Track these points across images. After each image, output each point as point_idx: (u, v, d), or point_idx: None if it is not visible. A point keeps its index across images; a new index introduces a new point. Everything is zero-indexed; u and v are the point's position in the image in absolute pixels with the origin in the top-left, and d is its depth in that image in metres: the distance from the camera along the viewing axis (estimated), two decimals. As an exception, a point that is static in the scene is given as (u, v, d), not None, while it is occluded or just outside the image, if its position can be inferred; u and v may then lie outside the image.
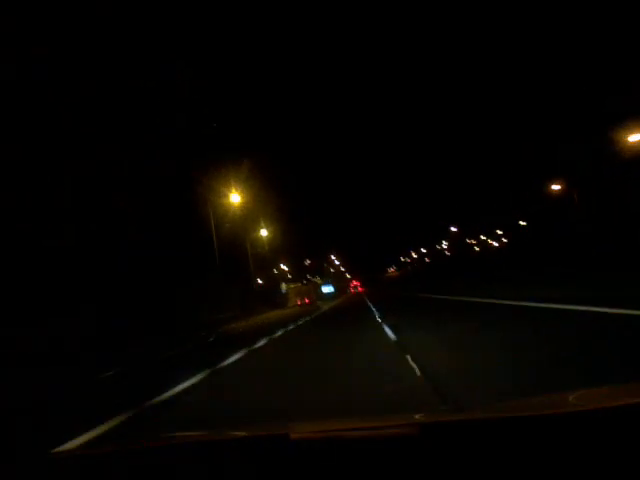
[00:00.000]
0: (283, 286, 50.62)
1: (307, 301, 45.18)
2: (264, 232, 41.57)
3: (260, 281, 53.34)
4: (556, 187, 33.36)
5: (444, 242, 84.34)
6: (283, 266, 61.67)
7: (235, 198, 29.50)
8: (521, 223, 50.28)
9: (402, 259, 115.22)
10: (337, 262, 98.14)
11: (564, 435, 0.97)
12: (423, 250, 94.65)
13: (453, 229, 70.94)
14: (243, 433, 1.54)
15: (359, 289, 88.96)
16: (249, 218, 36.83)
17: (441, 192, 73.83)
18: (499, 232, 61.64)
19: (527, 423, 1.08)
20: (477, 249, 69.88)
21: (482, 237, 68.96)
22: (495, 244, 64.94)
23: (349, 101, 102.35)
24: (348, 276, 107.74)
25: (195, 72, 22.58)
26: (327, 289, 62.86)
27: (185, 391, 5.66)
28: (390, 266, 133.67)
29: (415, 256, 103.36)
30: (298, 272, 69.14)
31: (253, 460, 1.17)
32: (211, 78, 28.01)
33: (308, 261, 79.21)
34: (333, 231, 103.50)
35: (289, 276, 64.44)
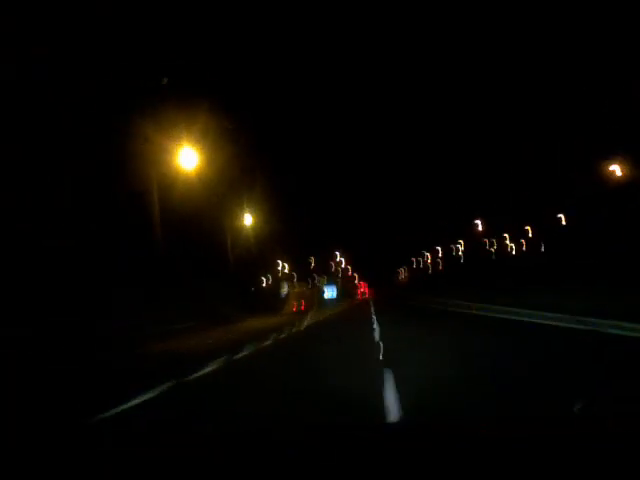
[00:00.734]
0: (284, 288, 48.56)
1: (302, 307, 44.75)
2: (248, 220, 36.42)
3: (265, 281, 52.90)
4: (614, 168, 27.14)
5: (460, 242, 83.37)
6: (283, 264, 60.73)
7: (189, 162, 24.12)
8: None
9: (414, 259, 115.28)
10: (343, 264, 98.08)
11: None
12: (438, 249, 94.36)
13: (477, 222, 66.65)
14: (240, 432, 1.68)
15: (366, 294, 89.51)
16: (234, 203, 33.72)
17: (460, 183, 70.64)
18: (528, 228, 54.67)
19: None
20: (492, 250, 68.28)
21: (505, 235, 64.48)
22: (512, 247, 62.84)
23: (358, 97, 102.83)
24: (355, 276, 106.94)
25: (195, 71, 23.42)
26: (329, 293, 55.90)
27: None
28: (400, 267, 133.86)
29: (429, 257, 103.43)
30: (303, 273, 68.96)
31: (250, 459, 1.22)
32: (212, 73, 28.77)
33: (312, 261, 79.22)
34: (339, 230, 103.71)
35: (294, 277, 64.29)
